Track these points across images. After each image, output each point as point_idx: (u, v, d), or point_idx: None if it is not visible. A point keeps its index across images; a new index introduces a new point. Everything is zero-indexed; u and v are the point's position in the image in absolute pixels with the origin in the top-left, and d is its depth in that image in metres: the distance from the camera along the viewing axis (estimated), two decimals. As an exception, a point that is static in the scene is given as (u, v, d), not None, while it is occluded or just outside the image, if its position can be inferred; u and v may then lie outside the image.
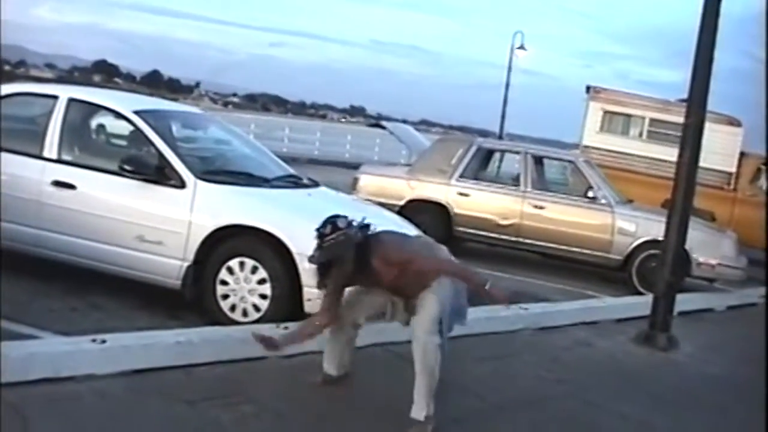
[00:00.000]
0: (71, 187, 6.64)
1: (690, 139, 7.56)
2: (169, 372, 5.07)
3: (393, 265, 4.77)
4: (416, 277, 4.78)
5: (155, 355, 5.12)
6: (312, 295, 5.98)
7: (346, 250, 4.70)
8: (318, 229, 4.78)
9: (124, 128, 7.09)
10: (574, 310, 8.40)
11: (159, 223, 6.40)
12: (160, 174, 6.48)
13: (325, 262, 4.78)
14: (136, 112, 6.87)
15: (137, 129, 6.78)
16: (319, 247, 4.77)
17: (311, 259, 4.85)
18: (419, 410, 4.73)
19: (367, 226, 4.82)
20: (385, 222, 6.98)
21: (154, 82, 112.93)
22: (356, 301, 5.08)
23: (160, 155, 6.56)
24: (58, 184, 6.66)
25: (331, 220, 4.79)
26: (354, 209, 7.68)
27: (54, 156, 6.80)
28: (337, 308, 5.01)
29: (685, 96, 7.88)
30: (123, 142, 7.26)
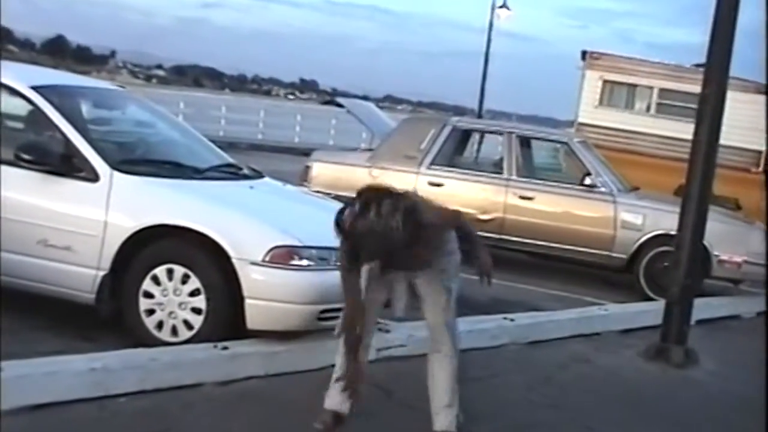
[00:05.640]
0: (-45, 181, 6.53)
1: (708, 113, 7.57)
2: (80, 406, 4.98)
3: (437, 233, 4.80)
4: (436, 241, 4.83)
5: (63, 386, 5.03)
6: (255, 308, 5.96)
7: (394, 218, 4.43)
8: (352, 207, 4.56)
9: (20, 108, 6.96)
10: (570, 320, 8.42)
11: (67, 224, 6.30)
12: (68, 164, 6.39)
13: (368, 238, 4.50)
14: (36, 88, 6.75)
15: (37, 109, 6.66)
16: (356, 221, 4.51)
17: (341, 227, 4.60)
18: (448, 418, 4.93)
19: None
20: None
21: (59, 51, 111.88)
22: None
23: (67, 141, 6.46)
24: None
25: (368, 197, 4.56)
26: (304, 204, 7.72)
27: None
28: (359, 287, 4.77)
29: (702, 60, 7.90)
30: (20, 126, 7.13)
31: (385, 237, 4.40)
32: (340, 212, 4.62)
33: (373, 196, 4.53)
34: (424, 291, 4.98)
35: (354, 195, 4.59)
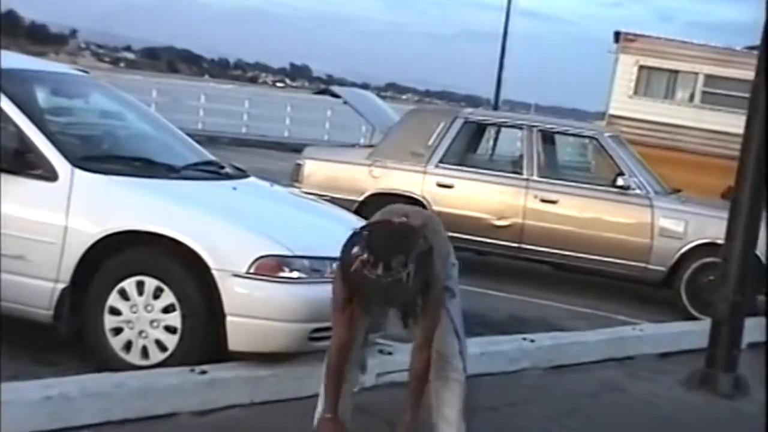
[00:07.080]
0: None
1: (762, 103, 7.55)
2: (36, 440, 4.96)
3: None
4: None
5: (15, 416, 5.00)
6: (238, 326, 5.95)
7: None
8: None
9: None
10: (599, 341, 8.41)
11: (20, 229, 6.28)
12: (21, 161, 6.38)
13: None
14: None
15: (-15, 97, 6.67)
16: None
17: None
18: None
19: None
20: (341, 226, 6.95)
21: (10, 28, 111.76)
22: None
23: (21, 134, 6.45)
24: None
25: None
26: (295, 208, 7.70)
27: None
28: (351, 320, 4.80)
29: (756, 42, 7.89)
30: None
31: (391, 291, 4.41)
32: (350, 244, 4.51)
33: (384, 243, 4.45)
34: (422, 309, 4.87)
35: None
